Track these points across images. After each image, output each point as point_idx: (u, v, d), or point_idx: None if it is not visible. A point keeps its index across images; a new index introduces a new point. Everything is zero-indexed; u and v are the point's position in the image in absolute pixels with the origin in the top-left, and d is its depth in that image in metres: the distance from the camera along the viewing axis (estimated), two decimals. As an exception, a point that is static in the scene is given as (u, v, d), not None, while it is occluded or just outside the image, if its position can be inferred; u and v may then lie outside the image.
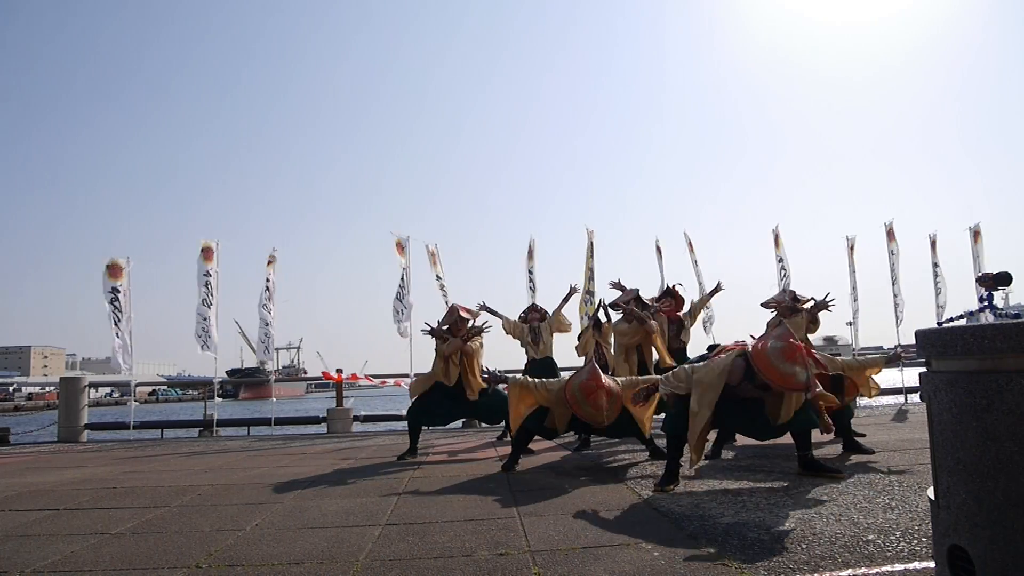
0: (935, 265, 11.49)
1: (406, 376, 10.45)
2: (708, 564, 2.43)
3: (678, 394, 4.18)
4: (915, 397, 10.54)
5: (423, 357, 10.37)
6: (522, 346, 7.35)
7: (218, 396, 10.42)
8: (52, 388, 55.10)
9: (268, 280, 10.34)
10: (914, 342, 1.93)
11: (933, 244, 11.54)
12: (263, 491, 4.39)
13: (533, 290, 10.90)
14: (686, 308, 7.07)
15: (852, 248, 11.42)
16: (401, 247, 10.50)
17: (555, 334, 7.28)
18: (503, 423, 7.61)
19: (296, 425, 10.83)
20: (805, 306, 5.97)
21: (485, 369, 5.89)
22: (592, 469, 4.77)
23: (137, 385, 11.21)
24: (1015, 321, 1.70)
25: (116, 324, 9.58)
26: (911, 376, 10.40)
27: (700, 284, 11.30)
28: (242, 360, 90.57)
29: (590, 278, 10.88)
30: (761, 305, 6.15)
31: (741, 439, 6.43)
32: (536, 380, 5.12)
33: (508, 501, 3.75)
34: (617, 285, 6.47)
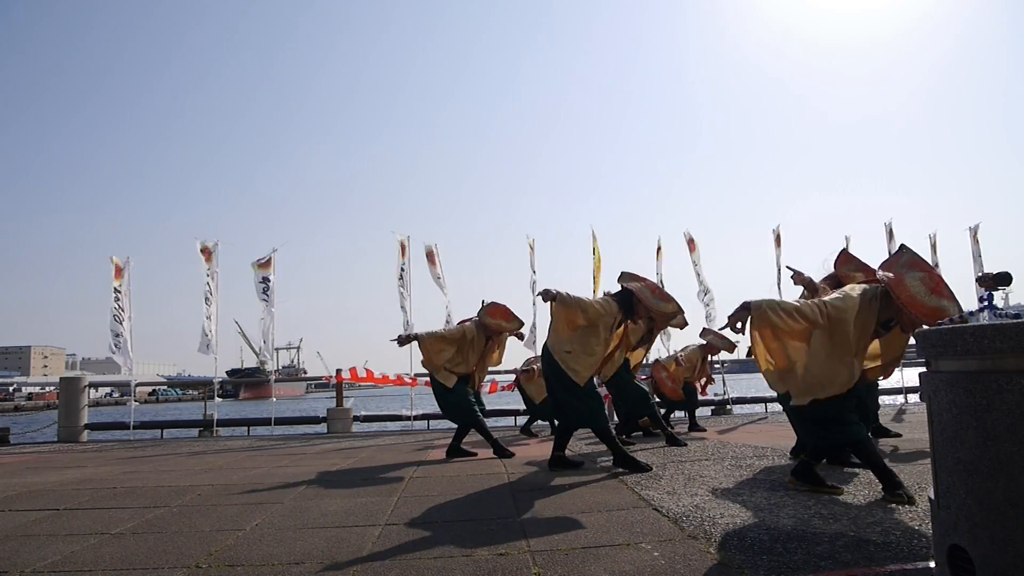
0: (935, 265, 11.51)
1: (405, 375, 10.46)
2: (708, 564, 2.43)
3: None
4: (915, 397, 10.54)
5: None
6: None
7: (218, 396, 10.43)
8: (52, 388, 55.07)
9: (267, 280, 10.34)
10: (914, 342, 1.93)
11: (933, 244, 11.55)
12: (263, 491, 4.39)
13: (535, 290, 10.91)
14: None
15: (848, 248, 11.44)
16: (403, 247, 10.52)
17: None
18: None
19: (296, 425, 10.84)
20: None
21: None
22: (592, 469, 4.77)
23: (137, 385, 11.21)
24: (1015, 321, 1.70)
25: (119, 323, 9.59)
26: (911, 376, 10.41)
27: (700, 284, 11.31)
28: (242, 360, 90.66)
29: (594, 278, 10.97)
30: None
31: (739, 438, 6.44)
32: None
33: (508, 501, 3.75)
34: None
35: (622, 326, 4.85)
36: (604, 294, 4.97)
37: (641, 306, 4.55)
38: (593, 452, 5.72)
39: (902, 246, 3.50)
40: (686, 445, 5.93)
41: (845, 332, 3.34)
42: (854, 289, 3.43)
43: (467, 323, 5.87)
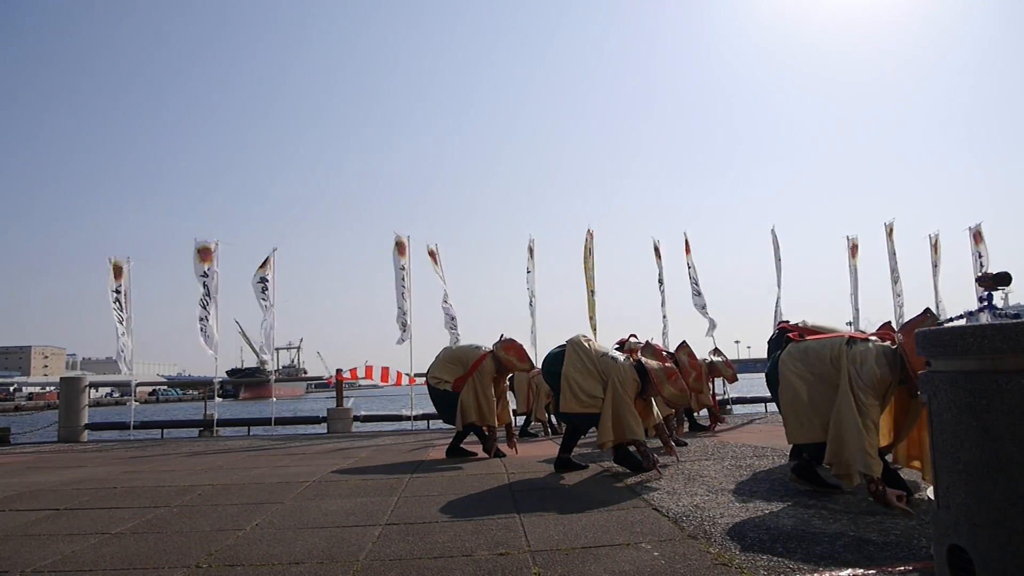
0: (935, 265, 11.50)
1: (404, 374, 10.46)
2: (708, 564, 2.43)
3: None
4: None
5: (423, 357, 10.38)
6: None
7: (218, 396, 10.43)
8: (52, 388, 55.21)
9: (266, 280, 10.34)
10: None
11: (934, 244, 11.55)
12: (263, 491, 4.39)
13: (532, 290, 10.90)
14: None
15: (853, 248, 11.43)
16: (403, 247, 10.51)
17: None
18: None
19: (296, 425, 10.85)
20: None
21: None
22: (592, 469, 4.77)
23: (137, 385, 11.21)
24: (1015, 321, 1.70)
25: (120, 323, 9.60)
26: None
27: (697, 285, 11.29)
28: (242, 360, 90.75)
29: (591, 278, 10.93)
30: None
31: (739, 438, 6.44)
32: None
33: (508, 501, 3.75)
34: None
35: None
36: (624, 351, 5.02)
37: (652, 386, 4.66)
38: (593, 452, 5.73)
39: (926, 310, 3.49)
40: (686, 445, 5.93)
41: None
42: (879, 361, 3.30)
43: (484, 351, 5.91)
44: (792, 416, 3.66)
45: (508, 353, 5.80)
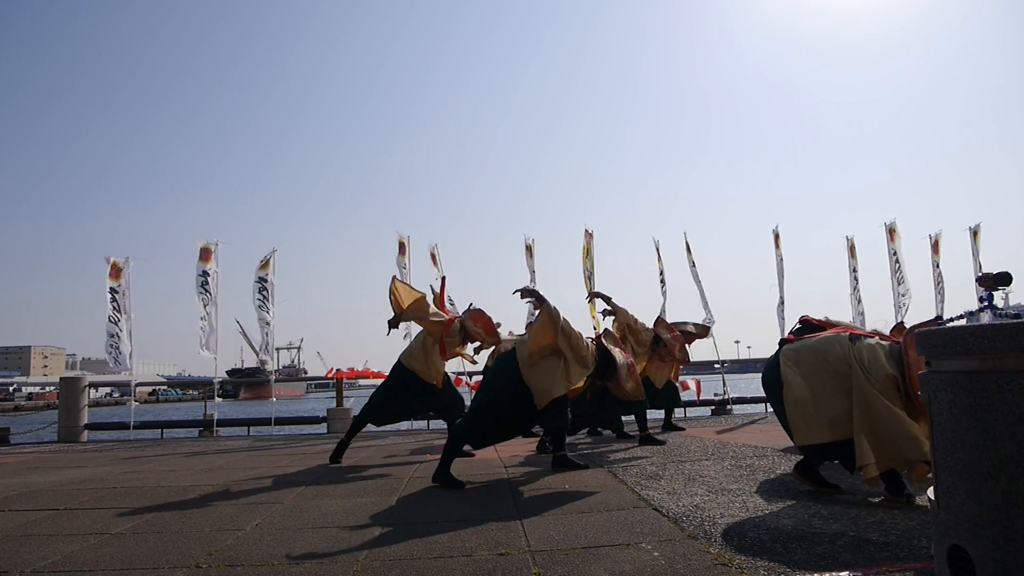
0: (935, 265, 11.49)
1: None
2: (708, 564, 2.43)
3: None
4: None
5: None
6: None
7: (218, 396, 10.42)
8: (52, 388, 55.19)
9: (266, 280, 10.33)
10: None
11: (934, 244, 11.54)
12: (263, 491, 4.39)
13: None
14: None
15: (852, 248, 11.42)
16: (403, 247, 10.51)
17: None
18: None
19: (296, 425, 10.84)
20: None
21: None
22: (592, 469, 4.77)
23: (137, 385, 11.20)
24: (1015, 321, 1.70)
25: (115, 324, 9.58)
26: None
27: (699, 285, 11.28)
28: (242, 360, 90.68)
29: (588, 278, 10.91)
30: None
31: (739, 438, 6.44)
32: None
33: (508, 501, 3.75)
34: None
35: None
36: (601, 336, 4.99)
37: (614, 376, 4.54)
38: (593, 453, 5.73)
39: (938, 318, 3.48)
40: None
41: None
42: (889, 361, 3.28)
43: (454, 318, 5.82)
44: (798, 418, 3.59)
45: (476, 323, 5.59)
